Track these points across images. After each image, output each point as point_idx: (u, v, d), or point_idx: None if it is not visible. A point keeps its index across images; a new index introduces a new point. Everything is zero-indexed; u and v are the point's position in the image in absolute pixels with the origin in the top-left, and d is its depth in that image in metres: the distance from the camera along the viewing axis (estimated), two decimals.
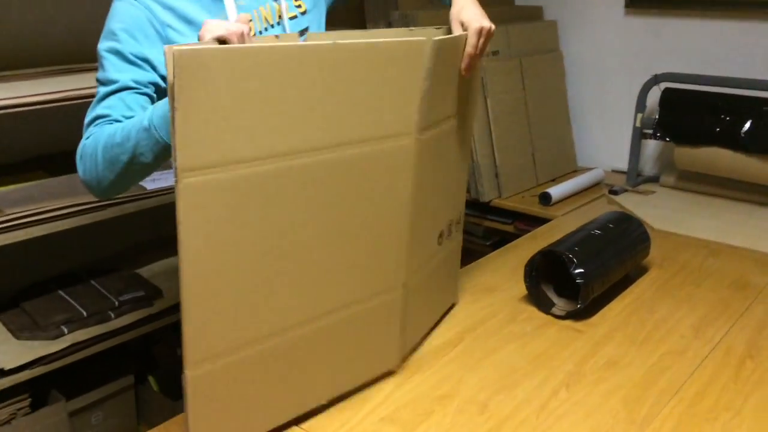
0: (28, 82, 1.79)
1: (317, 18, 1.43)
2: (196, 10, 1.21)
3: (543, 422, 1.19)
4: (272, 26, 1.32)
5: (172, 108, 0.89)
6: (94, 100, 1.16)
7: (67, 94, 1.72)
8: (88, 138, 1.11)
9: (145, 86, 1.16)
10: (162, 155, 1.06)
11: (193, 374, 1.00)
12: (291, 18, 1.37)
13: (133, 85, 1.14)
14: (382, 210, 1.17)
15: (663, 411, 1.23)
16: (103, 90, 1.15)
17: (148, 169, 1.08)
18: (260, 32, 1.30)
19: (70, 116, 2.08)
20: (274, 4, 1.33)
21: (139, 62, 1.16)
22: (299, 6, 1.39)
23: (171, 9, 1.18)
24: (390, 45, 1.08)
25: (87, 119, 1.14)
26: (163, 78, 1.19)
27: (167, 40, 1.19)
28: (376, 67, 1.07)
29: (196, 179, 0.92)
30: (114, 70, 1.14)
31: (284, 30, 1.32)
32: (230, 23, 1.02)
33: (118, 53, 1.15)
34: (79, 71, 1.88)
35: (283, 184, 1.01)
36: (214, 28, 1.00)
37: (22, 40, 1.97)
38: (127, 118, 1.12)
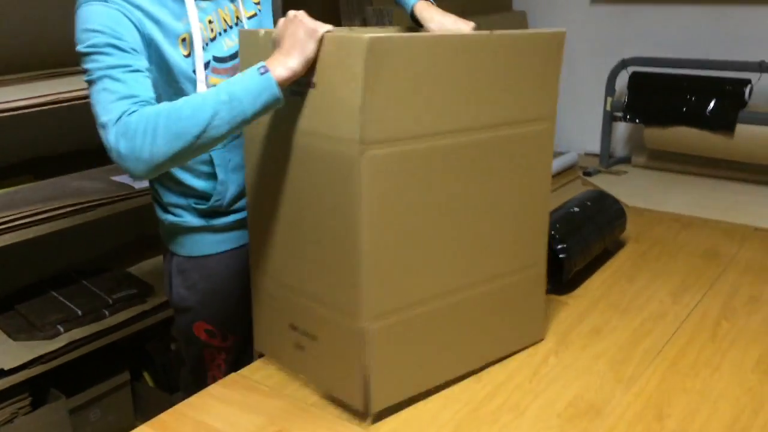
0: (15, 87, 1.81)
1: (266, 9, 1.46)
2: (161, 12, 1.24)
3: (536, 386, 1.26)
4: (231, 27, 1.35)
5: (360, 88, 1.00)
6: (101, 85, 1.12)
7: (54, 97, 1.74)
8: (131, 114, 1.08)
9: (147, 70, 1.18)
10: (237, 127, 1.08)
11: (371, 327, 1.10)
12: (250, 17, 1.40)
13: (141, 68, 1.16)
14: (527, 188, 1.28)
15: (647, 370, 1.30)
16: (114, 73, 1.12)
17: (212, 143, 1.09)
18: (220, 34, 1.33)
19: (58, 120, 2.11)
20: (232, 6, 1.36)
21: (132, 51, 1.17)
22: (257, 3, 1.43)
23: (139, 8, 1.21)
24: (534, 36, 1.22)
25: (114, 99, 1.10)
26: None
27: (144, 34, 1.21)
28: (525, 54, 1.19)
29: (379, 152, 1.04)
30: (115, 59, 1.14)
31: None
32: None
33: (110, 45, 1.15)
34: (67, 74, 1.90)
35: (446, 159, 1.13)
36: (319, 24, 1.08)
37: (10, 45, 1.98)
38: (154, 98, 1.14)
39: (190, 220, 1.41)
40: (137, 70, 1.15)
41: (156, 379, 2.24)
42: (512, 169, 1.24)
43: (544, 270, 1.38)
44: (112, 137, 1.08)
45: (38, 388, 1.90)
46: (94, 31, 1.16)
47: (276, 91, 1.07)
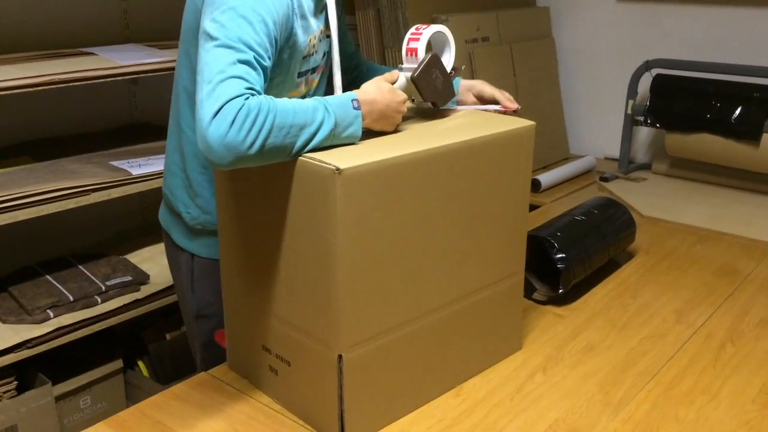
0: (12, 66, 1.78)
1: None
2: (310, 7, 1.22)
3: (517, 405, 1.19)
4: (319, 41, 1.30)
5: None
6: (218, 53, 1.02)
7: (51, 78, 1.71)
8: (246, 99, 0.98)
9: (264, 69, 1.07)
10: (319, 144, 1.04)
11: (348, 356, 1.04)
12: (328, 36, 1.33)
13: (265, 63, 1.07)
14: (505, 197, 1.23)
15: (639, 394, 1.22)
16: (240, 50, 1.03)
17: (292, 152, 1.03)
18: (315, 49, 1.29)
19: (58, 102, 2.08)
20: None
21: (271, 45, 1.09)
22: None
23: (300, 5, 1.18)
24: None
25: (221, 73, 0.99)
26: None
27: (290, 32, 1.15)
28: None
29: (355, 169, 0.98)
30: (253, 38, 1.04)
31: None
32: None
33: (264, 23, 1.06)
34: (62, 56, 1.87)
35: (421, 172, 1.07)
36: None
37: (6, 25, 1.96)
38: (257, 89, 1.03)
39: None
40: (258, 63, 1.05)
41: (150, 369, 2.21)
42: (490, 179, 1.18)
43: (521, 278, 1.32)
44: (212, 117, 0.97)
45: (25, 372, 1.88)
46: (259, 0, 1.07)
47: (359, 132, 1.09)
